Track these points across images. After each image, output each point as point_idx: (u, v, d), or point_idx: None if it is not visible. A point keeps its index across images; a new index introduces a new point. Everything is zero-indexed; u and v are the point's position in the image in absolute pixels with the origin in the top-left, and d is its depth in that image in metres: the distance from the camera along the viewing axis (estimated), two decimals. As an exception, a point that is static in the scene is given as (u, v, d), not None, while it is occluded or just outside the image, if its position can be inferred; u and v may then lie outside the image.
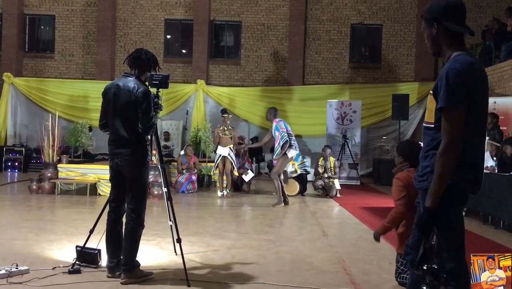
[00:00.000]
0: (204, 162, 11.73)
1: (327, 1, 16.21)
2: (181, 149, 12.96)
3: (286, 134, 8.61)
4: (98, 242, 4.46)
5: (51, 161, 10.01)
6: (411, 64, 16.12)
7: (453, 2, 2.59)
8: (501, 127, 9.15)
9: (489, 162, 7.95)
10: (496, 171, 7.43)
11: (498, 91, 11.03)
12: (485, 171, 7.73)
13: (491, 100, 10.85)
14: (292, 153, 8.75)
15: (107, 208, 4.36)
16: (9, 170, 13.92)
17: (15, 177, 13.04)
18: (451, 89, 2.40)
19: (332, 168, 10.57)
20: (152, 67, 4.33)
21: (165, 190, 4.61)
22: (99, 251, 4.48)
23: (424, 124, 2.66)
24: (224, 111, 10.30)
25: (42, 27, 17.11)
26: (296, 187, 10.52)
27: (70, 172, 9.91)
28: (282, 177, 9.22)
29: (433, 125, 2.55)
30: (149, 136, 4.34)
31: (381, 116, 15.36)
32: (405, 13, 16.08)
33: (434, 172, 2.42)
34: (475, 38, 15.12)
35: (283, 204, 8.87)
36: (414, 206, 2.85)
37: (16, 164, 14.02)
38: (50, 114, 11.34)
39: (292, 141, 8.69)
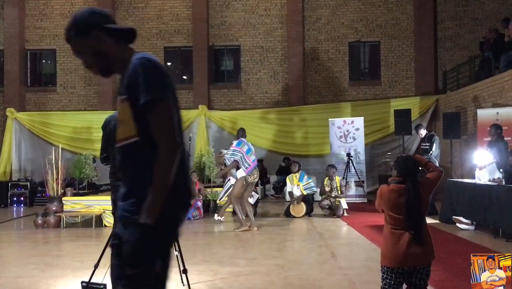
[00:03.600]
0: (209, 187, 11.67)
1: (324, 21, 16.35)
2: (186, 175, 12.90)
3: (239, 154, 8.62)
4: (104, 276, 4.40)
5: (55, 194, 10.01)
6: (411, 79, 16.13)
7: (95, 8, 2.24)
8: (505, 138, 9.05)
9: (496, 173, 7.85)
10: (504, 182, 7.33)
11: (500, 102, 10.98)
12: (492, 183, 7.66)
13: (493, 111, 10.78)
14: (240, 174, 8.66)
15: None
16: (14, 205, 13.86)
17: (21, 211, 12.99)
18: (153, 79, 1.99)
19: (339, 188, 10.49)
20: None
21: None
22: (105, 285, 4.41)
23: (118, 145, 2.13)
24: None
25: (43, 61, 17.32)
26: (302, 208, 10.43)
27: (75, 204, 9.89)
28: (251, 199, 9.40)
29: (135, 139, 2.04)
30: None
31: (384, 132, 15.34)
32: (402, 29, 16.17)
33: (154, 183, 1.97)
34: (473, 50, 15.19)
35: (246, 227, 8.63)
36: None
37: (22, 198, 13.95)
38: (53, 148, 11.38)
39: (242, 162, 8.59)
